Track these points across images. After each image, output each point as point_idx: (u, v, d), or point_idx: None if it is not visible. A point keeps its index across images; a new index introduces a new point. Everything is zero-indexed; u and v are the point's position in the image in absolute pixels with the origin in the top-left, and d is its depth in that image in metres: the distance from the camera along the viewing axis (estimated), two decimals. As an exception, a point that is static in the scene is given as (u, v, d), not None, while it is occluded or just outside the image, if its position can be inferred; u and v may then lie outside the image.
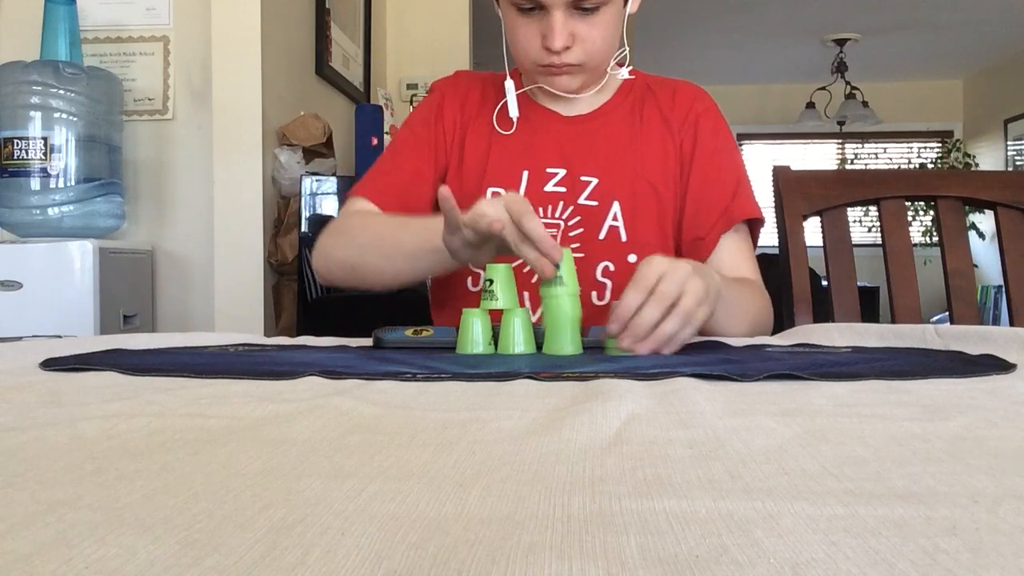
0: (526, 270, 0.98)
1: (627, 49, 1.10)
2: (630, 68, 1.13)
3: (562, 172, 1.10)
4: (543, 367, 0.66)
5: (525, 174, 1.10)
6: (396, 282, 1.05)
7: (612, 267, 1.08)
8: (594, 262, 1.07)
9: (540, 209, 1.09)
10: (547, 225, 1.05)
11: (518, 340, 0.79)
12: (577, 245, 1.07)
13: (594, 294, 1.07)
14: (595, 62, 1.05)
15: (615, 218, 1.08)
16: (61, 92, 1.93)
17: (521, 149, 1.12)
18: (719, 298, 0.82)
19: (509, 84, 1.12)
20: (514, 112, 1.11)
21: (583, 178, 1.09)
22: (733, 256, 1.10)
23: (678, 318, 0.74)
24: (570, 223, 1.08)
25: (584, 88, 1.09)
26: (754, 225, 1.14)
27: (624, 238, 1.08)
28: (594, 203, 1.08)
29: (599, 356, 0.75)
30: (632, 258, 1.07)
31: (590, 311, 0.98)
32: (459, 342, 0.80)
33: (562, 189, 1.09)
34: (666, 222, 1.10)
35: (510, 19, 1.03)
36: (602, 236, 1.08)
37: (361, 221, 1.08)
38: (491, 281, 0.80)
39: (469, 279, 1.11)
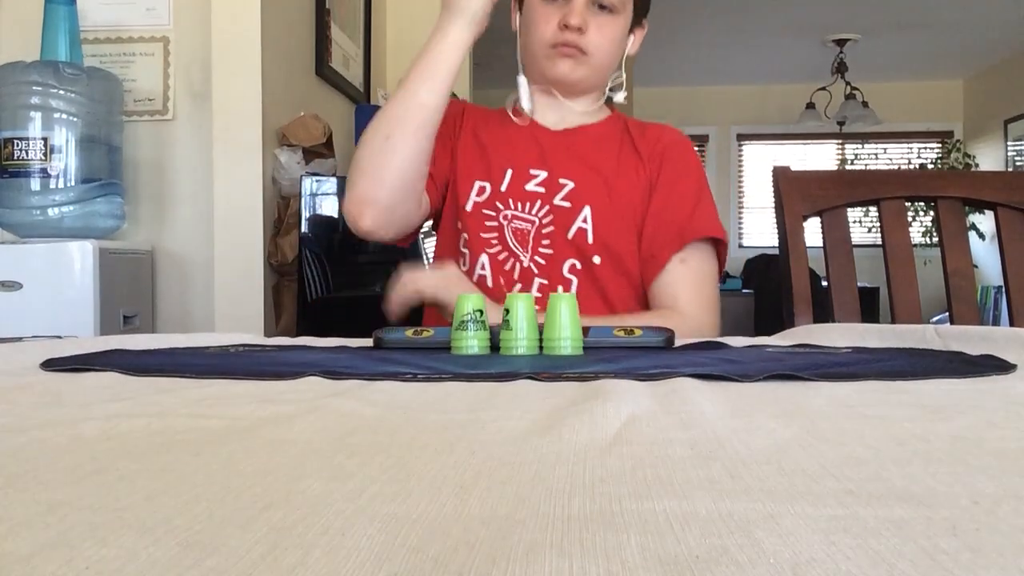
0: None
1: (623, 75, 1.22)
2: (625, 95, 1.24)
3: (543, 174, 1.18)
4: (543, 367, 0.66)
5: (509, 172, 1.18)
6: (425, 127, 1.08)
7: (578, 265, 1.15)
8: (561, 259, 1.15)
9: (520, 204, 1.17)
10: (523, 220, 1.16)
11: (520, 335, 0.79)
12: (548, 242, 1.15)
13: (560, 288, 1.15)
14: (597, 59, 1.16)
15: (584, 220, 1.15)
16: (61, 92, 1.93)
17: (509, 150, 1.21)
18: None
19: (522, 79, 1.21)
20: (527, 104, 1.20)
21: (561, 180, 1.17)
22: (676, 282, 1.16)
23: None
24: (544, 220, 1.16)
25: (581, 85, 1.18)
26: (720, 247, 1.19)
27: (591, 240, 1.15)
28: (567, 204, 1.16)
29: (600, 357, 0.75)
30: (597, 259, 1.15)
31: None
32: (454, 322, 0.80)
33: (541, 189, 1.18)
34: (632, 238, 1.17)
35: (533, 7, 1.15)
36: (570, 236, 1.15)
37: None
38: (507, 311, 0.80)
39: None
